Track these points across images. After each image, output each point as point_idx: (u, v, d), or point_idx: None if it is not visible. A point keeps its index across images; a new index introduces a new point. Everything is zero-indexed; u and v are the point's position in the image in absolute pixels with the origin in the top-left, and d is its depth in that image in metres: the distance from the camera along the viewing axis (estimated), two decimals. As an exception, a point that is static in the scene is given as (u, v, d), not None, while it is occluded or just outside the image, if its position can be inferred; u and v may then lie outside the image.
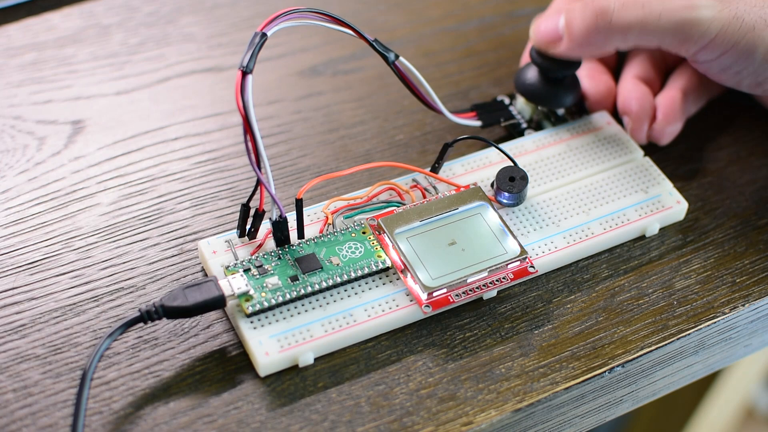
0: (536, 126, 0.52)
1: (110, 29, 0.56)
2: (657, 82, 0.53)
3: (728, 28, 0.45)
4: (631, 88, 0.52)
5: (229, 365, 0.43)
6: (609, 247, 0.48)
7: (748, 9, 0.46)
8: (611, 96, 0.53)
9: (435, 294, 0.44)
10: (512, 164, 0.48)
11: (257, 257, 0.44)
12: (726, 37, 0.46)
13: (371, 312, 0.44)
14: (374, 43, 0.46)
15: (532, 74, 0.51)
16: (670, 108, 0.51)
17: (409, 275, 0.44)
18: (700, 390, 0.91)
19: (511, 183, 0.47)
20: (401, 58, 0.46)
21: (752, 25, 0.46)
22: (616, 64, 0.55)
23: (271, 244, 0.45)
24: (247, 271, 0.44)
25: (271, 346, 0.42)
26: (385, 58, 0.46)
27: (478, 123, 0.52)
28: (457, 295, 0.44)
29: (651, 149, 0.52)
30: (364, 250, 0.45)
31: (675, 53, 0.48)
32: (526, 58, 0.53)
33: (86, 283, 0.45)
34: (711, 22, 0.45)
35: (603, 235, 0.48)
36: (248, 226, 0.45)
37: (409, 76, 0.47)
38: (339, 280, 0.44)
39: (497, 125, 0.52)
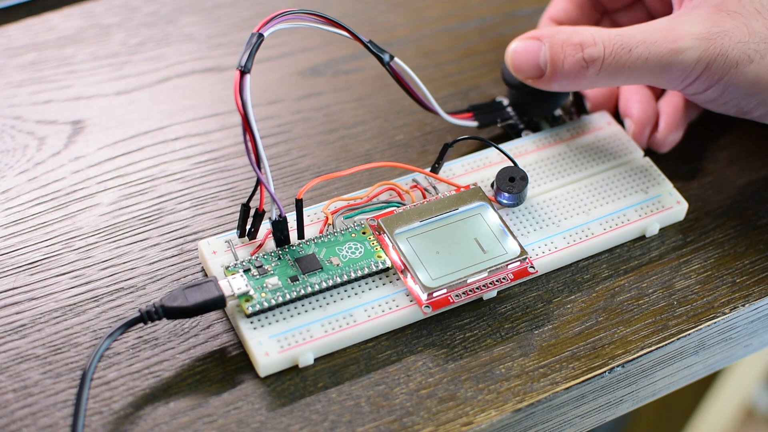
0: (534, 127, 0.52)
1: (110, 29, 0.56)
2: (659, 85, 0.53)
3: (713, 66, 0.45)
4: (633, 90, 0.52)
5: (229, 365, 0.43)
6: (609, 248, 0.48)
7: (733, 44, 0.45)
8: (613, 98, 0.53)
9: (435, 294, 0.44)
10: (512, 164, 0.48)
11: (257, 257, 0.44)
12: (710, 74, 0.45)
13: (371, 312, 0.44)
14: (369, 45, 0.46)
15: (514, 92, 0.51)
16: (673, 116, 0.51)
17: (409, 275, 0.45)
18: (700, 390, 0.91)
19: (511, 183, 0.47)
20: (396, 59, 0.46)
21: (736, 62, 0.45)
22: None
23: (271, 244, 0.45)
24: (247, 271, 0.44)
25: (271, 347, 0.42)
26: (380, 59, 0.46)
27: (474, 123, 0.52)
28: (457, 296, 0.44)
29: (651, 149, 0.52)
30: (364, 251, 0.45)
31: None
32: None
33: (86, 283, 0.45)
34: (696, 63, 0.45)
35: (603, 235, 0.48)
36: (248, 226, 0.45)
37: (404, 77, 0.47)
38: (339, 280, 0.44)
39: (494, 126, 0.52)
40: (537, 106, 0.51)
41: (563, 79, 0.47)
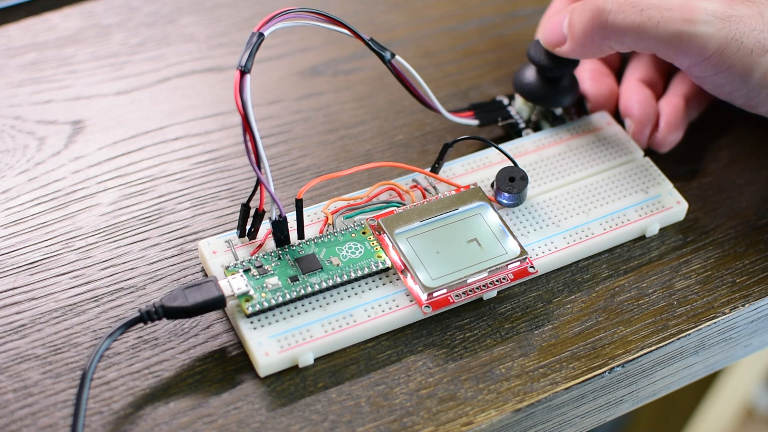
0: (534, 126, 0.52)
1: (110, 29, 0.56)
2: (660, 85, 0.53)
3: (726, 49, 0.45)
4: (633, 90, 0.52)
5: (229, 365, 0.43)
6: (609, 248, 0.48)
7: (748, 32, 0.45)
8: (613, 98, 0.53)
9: (435, 294, 0.44)
10: (512, 164, 0.48)
11: (257, 257, 0.44)
12: (722, 57, 0.45)
13: (371, 312, 0.44)
14: (370, 43, 0.46)
15: (530, 73, 0.51)
16: (673, 116, 0.51)
17: (409, 275, 0.44)
18: (700, 390, 0.91)
19: (511, 183, 0.47)
20: (398, 57, 0.46)
21: (750, 49, 0.45)
22: (619, 66, 0.54)
23: (271, 244, 0.45)
24: (247, 271, 0.44)
25: (271, 347, 0.42)
26: (382, 57, 0.46)
27: (475, 122, 0.52)
28: (457, 296, 0.44)
29: (651, 149, 0.52)
30: (364, 251, 0.45)
31: (670, 63, 0.48)
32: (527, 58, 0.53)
33: (86, 283, 0.45)
34: (709, 39, 0.45)
35: (603, 235, 0.48)
36: (248, 226, 0.45)
37: (405, 75, 0.47)
38: (339, 280, 0.44)
39: (495, 125, 0.52)
40: (553, 94, 0.51)
41: (578, 40, 0.47)
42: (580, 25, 0.47)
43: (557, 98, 0.51)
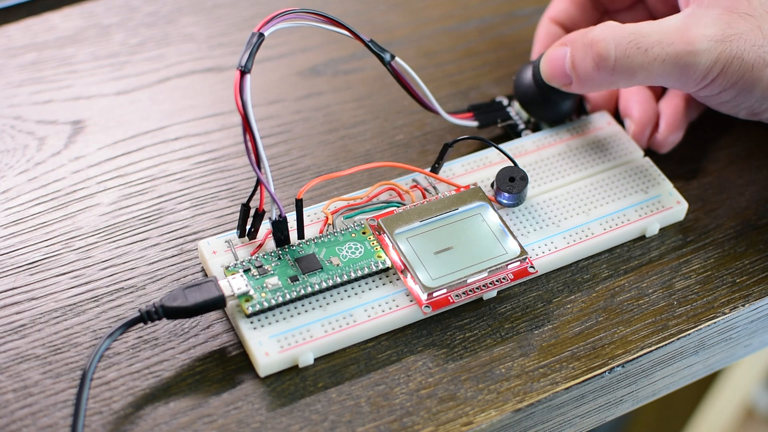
0: (534, 127, 0.52)
1: (110, 29, 0.56)
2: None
3: (728, 69, 0.45)
4: (633, 91, 0.52)
5: (229, 365, 0.43)
6: (609, 248, 0.48)
7: (748, 48, 0.45)
8: (613, 98, 0.53)
9: (435, 294, 0.44)
10: (512, 164, 0.48)
11: (257, 257, 0.44)
12: (726, 76, 0.45)
13: (371, 312, 0.44)
14: (370, 44, 0.46)
15: (531, 88, 0.50)
16: (673, 117, 0.51)
17: (409, 275, 0.45)
18: (700, 390, 0.91)
19: (511, 183, 0.47)
20: (397, 59, 0.46)
21: (751, 65, 0.45)
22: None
23: (271, 244, 0.45)
24: (247, 271, 0.44)
25: (271, 347, 0.42)
26: (381, 59, 0.46)
27: (474, 123, 0.52)
28: (457, 296, 0.44)
29: (651, 149, 0.52)
30: (364, 251, 0.45)
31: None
32: (527, 58, 0.53)
33: (86, 283, 0.45)
34: (713, 65, 0.45)
35: (603, 235, 0.48)
36: (248, 226, 0.45)
37: (405, 77, 0.47)
38: (339, 280, 0.44)
39: (494, 126, 0.52)
40: (551, 109, 0.51)
41: (584, 82, 0.47)
42: (584, 70, 0.46)
43: (556, 113, 0.51)
